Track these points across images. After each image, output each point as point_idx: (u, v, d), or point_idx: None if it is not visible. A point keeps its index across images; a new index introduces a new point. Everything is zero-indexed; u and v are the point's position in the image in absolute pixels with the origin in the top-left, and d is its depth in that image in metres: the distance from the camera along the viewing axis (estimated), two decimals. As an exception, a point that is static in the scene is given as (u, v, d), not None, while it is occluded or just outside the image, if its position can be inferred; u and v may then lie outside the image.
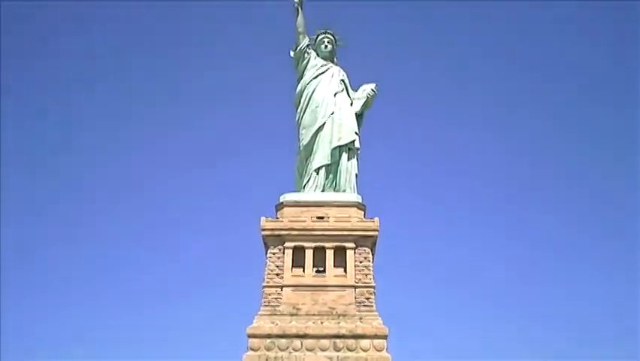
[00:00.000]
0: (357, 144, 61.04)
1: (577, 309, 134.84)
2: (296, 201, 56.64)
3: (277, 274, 51.87)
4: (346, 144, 60.33)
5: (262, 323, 48.44)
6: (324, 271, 51.88)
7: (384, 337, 47.30)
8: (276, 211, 56.84)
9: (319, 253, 52.73)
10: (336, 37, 67.42)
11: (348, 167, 59.90)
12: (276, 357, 46.18)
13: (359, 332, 47.05)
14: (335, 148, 59.92)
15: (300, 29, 64.85)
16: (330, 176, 59.70)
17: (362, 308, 49.46)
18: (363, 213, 56.39)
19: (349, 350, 46.37)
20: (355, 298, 50.19)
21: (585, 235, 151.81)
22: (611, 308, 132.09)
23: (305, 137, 61.20)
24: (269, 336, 47.15)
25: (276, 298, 50.51)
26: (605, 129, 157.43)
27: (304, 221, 54.32)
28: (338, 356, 46.09)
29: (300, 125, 62.69)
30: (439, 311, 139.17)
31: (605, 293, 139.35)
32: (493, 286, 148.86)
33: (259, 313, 49.74)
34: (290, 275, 51.66)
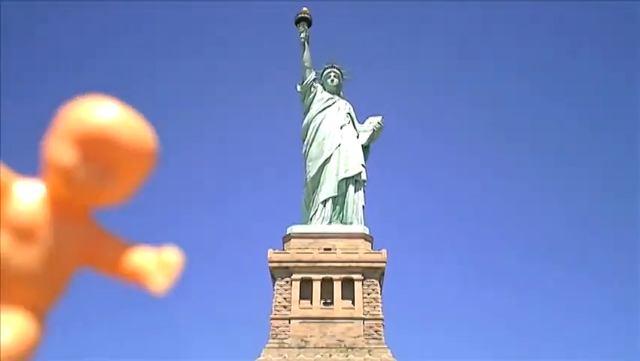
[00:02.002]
0: (363, 176, 61.34)
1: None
2: (303, 233, 56.65)
3: (284, 306, 51.60)
4: (353, 176, 60.62)
5: (270, 356, 48.04)
6: (332, 303, 51.62)
7: (393, 370, 46.81)
8: (283, 243, 56.82)
9: (327, 284, 52.54)
10: (342, 71, 68.31)
11: (355, 199, 60.09)
12: (283, 391, 45.67)
13: (368, 364, 46.60)
14: (342, 180, 60.20)
15: (306, 64, 65.81)
16: (337, 208, 59.83)
17: (371, 341, 49.05)
18: (370, 244, 56.33)
19: (358, 383, 45.85)
20: (364, 330, 49.83)
21: (591, 281, 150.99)
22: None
23: (312, 169, 61.56)
24: (277, 369, 46.75)
25: (283, 331, 50.17)
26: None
27: (311, 253, 54.25)
28: (346, 390, 45.56)
29: (306, 157, 63.13)
30: (450, 344, 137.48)
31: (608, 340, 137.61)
32: (501, 319, 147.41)
33: (267, 345, 49.35)
34: (297, 307, 51.39)
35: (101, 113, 2.28)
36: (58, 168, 2.29)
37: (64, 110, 2.32)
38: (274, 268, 54.05)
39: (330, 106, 65.27)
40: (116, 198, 2.41)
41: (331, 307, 51.50)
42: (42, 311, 2.37)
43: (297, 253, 54.38)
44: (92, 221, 2.46)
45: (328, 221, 58.78)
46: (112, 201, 2.41)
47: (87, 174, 2.28)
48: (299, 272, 53.18)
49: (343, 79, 68.51)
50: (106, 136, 2.26)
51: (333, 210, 59.64)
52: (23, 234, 2.31)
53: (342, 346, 48.91)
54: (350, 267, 53.12)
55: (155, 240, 2.51)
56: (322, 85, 67.03)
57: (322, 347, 48.83)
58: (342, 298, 51.87)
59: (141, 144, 2.34)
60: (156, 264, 2.41)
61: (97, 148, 2.27)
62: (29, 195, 2.36)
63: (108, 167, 2.30)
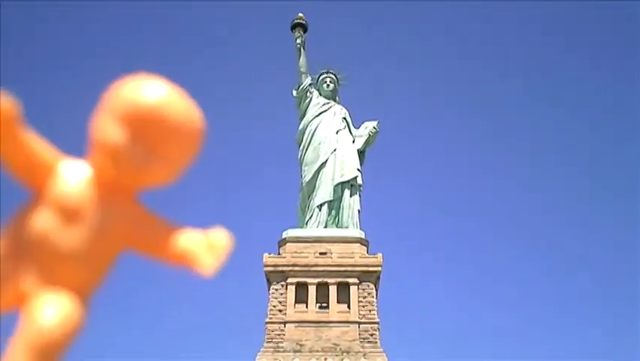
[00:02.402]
0: (359, 181, 61.49)
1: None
2: (298, 237, 56.68)
3: (280, 310, 51.59)
4: (348, 181, 60.75)
5: (265, 360, 47.98)
6: (327, 307, 51.65)
7: (389, 374, 46.85)
8: (279, 247, 56.84)
9: (322, 288, 52.57)
10: (338, 76, 68.50)
11: (351, 203, 60.21)
12: (279, 395, 45.62)
13: (363, 368, 46.63)
14: (337, 185, 60.32)
15: (302, 69, 66.00)
16: (333, 212, 59.93)
17: (366, 345, 49.09)
18: (366, 249, 56.43)
19: (353, 387, 45.85)
20: (359, 334, 49.86)
21: (590, 282, 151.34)
22: None
23: (307, 174, 61.66)
24: (272, 373, 46.71)
25: (278, 335, 50.15)
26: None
27: (307, 257, 54.28)
28: (342, 394, 45.56)
29: (302, 162, 63.25)
30: (445, 348, 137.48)
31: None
32: (497, 323, 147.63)
33: (262, 349, 49.31)
34: (293, 311, 51.38)
35: (149, 92, 2.24)
36: (106, 148, 2.25)
37: (113, 88, 2.28)
38: (269, 272, 54.06)
39: (325, 111, 65.44)
40: (162, 180, 2.37)
41: (327, 311, 51.55)
42: (86, 293, 2.34)
43: (293, 257, 54.42)
44: (138, 202, 2.42)
45: (324, 225, 58.86)
46: (158, 182, 2.37)
47: (134, 154, 2.25)
48: (294, 276, 53.21)
49: (339, 84, 68.69)
50: (154, 116, 2.23)
51: (329, 214, 59.74)
52: (69, 214, 2.28)
53: (338, 350, 48.93)
54: (345, 271, 53.19)
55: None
56: (318, 90, 67.20)
57: (317, 351, 48.84)
58: (338, 302, 51.93)
59: (189, 124, 2.30)
60: (204, 246, 2.37)
61: (145, 128, 2.23)
62: (76, 176, 2.32)
63: (156, 147, 2.27)
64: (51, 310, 2.20)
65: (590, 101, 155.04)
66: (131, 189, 2.39)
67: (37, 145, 2.27)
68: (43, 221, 2.29)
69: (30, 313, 2.22)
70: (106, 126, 2.26)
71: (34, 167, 2.28)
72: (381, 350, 49.08)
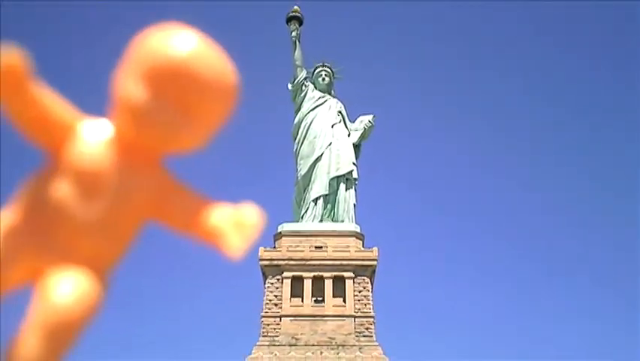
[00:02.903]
0: (354, 175, 61.38)
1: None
2: (294, 231, 56.57)
3: (275, 304, 51.50)
4: (344, 175, 60.64)
5: (261, 354, 47.92)
6: (322, 300, 51.60)
7: (385, 367, 46.84)
8: (274, 241, 56.72)
9: (318, 282, 52.51)
10: (333, 69, 68.29)
11: (347, 197, 60.12)
12: (274, 389, 45.55)
13: (359, 362, 46.61)
14: (333, 178, 60.20)
15: (297, 62, 65.74)
16: (329, 206, 59.82)
17: (362, 338, 49.08)
18: (361, 242, 56.38)
19: (349, 381, 45.84)
20: (355, 328, 49.84)
21: (590, 282, 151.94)
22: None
23: (303, 167, 61.51)
24: (267, 367, 46.62)
25: (274, 329, 50.07)
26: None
27: (302, 251, 54.19)
28: (337, 388, 45.53)
29: (297, 155, 63.07)
30: (441, 342, 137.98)
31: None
32: (492, 318, 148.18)
33: (257, 343, 49.23)
34: (288, 305, 51.31)
35: (177, 44, 1.99)
36: (129, 106, 2.01)
37: (137, 40, 2.03)
38: (265, 265, 53.95)
39: (321, 105, 65.25)
40: (191, 143, 2.11)
41: (322, 304, 51.51)
42: (106, 268, 2.13)
43: (288, 251, 54.32)
44: (164, 169, 2.19)
45: (319, 219, 58.76)
46: (187, 146, 2.12)
47: (160, 113, 1.99)
48: (290, 270, 53.12)
49: (334, 77, 68.49)
50: (182, 71, 1.98)
51: (325, 208, 59.64)
52: (87, 180, 2.04)
53: (333, 343, 48.91)
54: (341, 265, 53.15)
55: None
56: (313, 83, 66.97)
57: (313, 345, 48.80)
58: (333, 295, 51.89)
59: (222, 79, 2.05)
60: (233, 224, 2.13)
61: (172, 83, 1.98)
62: (97, 137, 2.08)
63: (184, 105, 2.01)
64: (67, 286, 1.99)
65: (591, 101, 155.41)
66: (157, 153, 2.14)
67: (53, 103, 2.03)
68: (60, 189, 2.05)
69: (44, 289, 2.00)
70: (129, 82, 2.01)
71: (50, 127, 2.03)
72: (377, 343, 49.11)
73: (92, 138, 2.10)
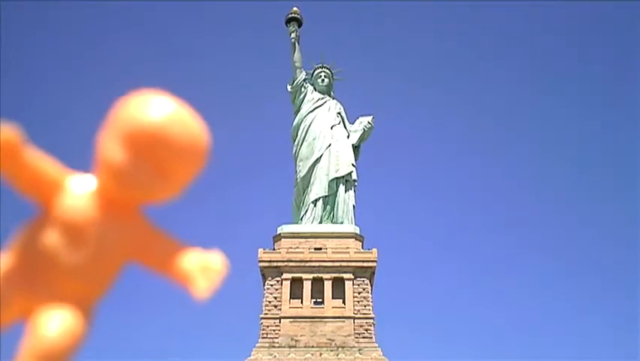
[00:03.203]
0: (354, 176, 61.52)
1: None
2: (293, 233, 56.72)
3: (275, 306, 51.66)
4: (343, 176, 60.78)
5: (260, 356, 48.08)
6: (322, 302, 51.74)
7: (384, 369, 47.00)
8: (274, 243, 56.87)
9: (317, 284, 52.66)
10: (332, 71, 68.41)
11: (346, 198, 60.26)
12: (274, 390, 45.72)
13: (358, 363, 46.77)
14: (332, 180, 60.34)
15: (297, 64, 65.87)
16: (328, 207, 59.96)
17: (361, 340, 49.23)
18: (361, 244, 56.52)
19: (348, 382, 45.99)
20: (354, 329, 50.00)
21: (589, 282, 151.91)
22: None
23: (302, 169, 61.65)
24: (267, 369, 46.80)
25: (274, 330, 50.24)
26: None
27: (302, 252, 54.35)
28: (337, 389, 45.69)
29: (297, 157, 63.21)
30: (440, 343, 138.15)
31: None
32: (491, 318, 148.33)
33: (257, 345, 49.38)
34: (288, 307, 51.47)
35: (153, 112, 2.24)
36: (110, 168, 2.28)
37: (117, 106, 2.28)
38: (264, 267, 54.11)
39: (320, 106, 65.36)
40: (166, 196, 2.39)
41: (322, 306, 51.66)
42: (89, 305, 2.39)
43: (288, 252, 54.47)
44: (142, 217, 2.45)
45: (319, 221, 58.90)
46: (162, 198, 2.39)
47: (139, 174, 2.26)
48: (289, 272, 53.28)
49: (334, 79, 68.60)
50: (158, 137, 2.23)
51: (324, 209, 59.78)
52: (73, 229, 2.31)
53: (333, 345, 49.07)
54: (340, 266, 53.29)
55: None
56: (313, 85, 67.08)
57: (313, 346, 48.96)
58: (333, 297, 52.04)
59: (194, 145, 2.30)
60: (200, 269, 2.40)
61: (149, 149, 2.24)
62: (82, 191, 2.35)
63: (160, 166, 2.27)
64: (55, 322, 2.26)
65: (591, 100, 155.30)
66: (135, 204, 2.42)
67: (43, 163, 2.31)
68: (49, 237, 2.33)
69: (35, 326, 2.28)
70: (110, 145, 2.28)
71: (41, 184, 2.32)
72: (377, 345, 49.27)
73: (78, 192, 2.37)
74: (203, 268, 2.41)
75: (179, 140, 2.27)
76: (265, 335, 49.96)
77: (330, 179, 60.38)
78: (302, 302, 51.96)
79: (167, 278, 2.48)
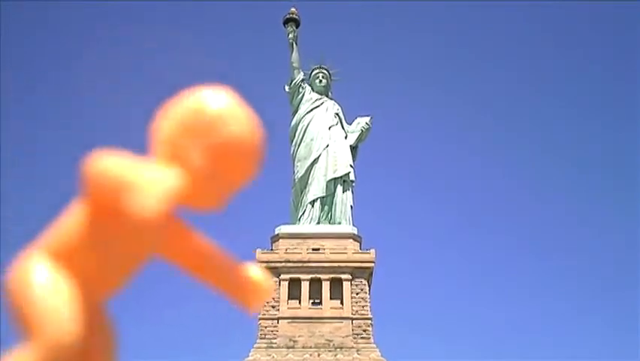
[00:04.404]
0: (352, 177, 61.50)
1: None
2: (291, 234, 56.66)
3: (273, 307, 51.59)
4: (341, 177, 60.76)
5: (258, 356, 48.01)
6: (320, 303, 51.71)
7: (382, 369, 46.99)
8: (271, 243, 56.81)
9: (315, 284, 52.64)
10: (330, 72, 68.38)
11: (344, 199, 60.25)
12: (272, 391, 45.65)
13: (356, 364, 46.74)
14: (330, 180, 60.30)
15: (295, 64, 65.82)
16: (326, 208, 59.94)
17: (359, 340, 49.21)
18: (359, 244, 56.50)
19: (346, 383, 45.96)
20: (352, 330, 49.98)
21: (588, 282, 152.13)
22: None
23: (300, 169, 61.60)
24: (265, 369, 46.72)
25: (272, 331, 50.17)
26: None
27: (300, 253, 54.30)
28: (335, 390, 45.65)
29: (294, 158, 63.16)
30: (438, 344, 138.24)
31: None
32: (490, 318, 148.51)
33: (255, 346, 49.31)
34: (286, 307, 51.42)
35: (211, 104, 2.22)
36: (193, 171, 2.20)
37: (172, 101, 2.25)
38: (262, 268, 53.96)
39: (318, 107, 65.32)
40: (212, 201, 2.33)
41: (320, 307, 51.62)
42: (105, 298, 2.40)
43: (286, 253, 54.42)
44: (180, 219, 2.42)
45: (317, 221, 58.87)
46: (208, 204, 2.33)
47: (215, 183, 2.23)
48: (287, 272, 53.22)
49: (332, 79, 68.57)
50: (239, 151, 2.24)
51: (322, 210, 59.75)
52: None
53: (331, 346, 49.05)
54: (339, 267, 53.27)
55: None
56: (311, 85, 67.04)
57: (311, 347, 48.92)
58: (331, 298, 52.02)
59: (249, 143, 2.29)
60: (253, 285, 2.45)
61: (226, 162, 2.23)
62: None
63: (228, 178, 2.26)
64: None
65: (591, 100, 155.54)
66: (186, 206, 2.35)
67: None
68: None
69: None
70: (194, 150, 2.22)
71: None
72: (375, 345, 49.28)
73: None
74: (255, 284, 2.46)
75: (234, 137, 2.25)
76: (263, 336, 49.91)
77: (327, 179, 60.35)
78: (300, 303, 51.93)
79: (210, 288, 2.46)
